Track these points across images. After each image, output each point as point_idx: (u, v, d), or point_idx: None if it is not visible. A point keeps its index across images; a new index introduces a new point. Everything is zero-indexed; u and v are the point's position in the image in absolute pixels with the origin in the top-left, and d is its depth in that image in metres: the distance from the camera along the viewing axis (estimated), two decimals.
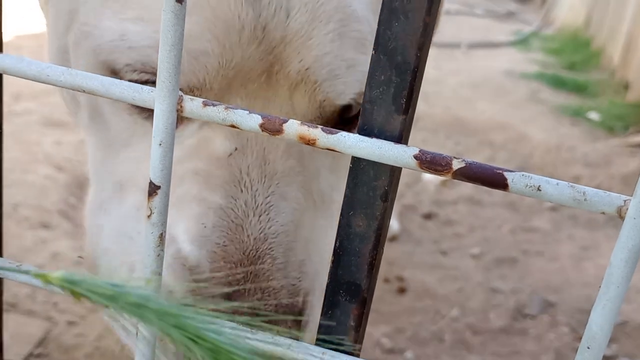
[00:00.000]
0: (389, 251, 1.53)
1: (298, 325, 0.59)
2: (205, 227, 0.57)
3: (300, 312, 0.59)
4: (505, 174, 0.33)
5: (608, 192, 0.33)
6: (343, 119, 0.65)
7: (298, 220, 0.61)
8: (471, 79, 3.18)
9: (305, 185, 0.63)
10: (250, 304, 0.55)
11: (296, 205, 0.61)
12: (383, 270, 1.45)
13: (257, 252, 0.57)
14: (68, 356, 1.11)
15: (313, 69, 0.59)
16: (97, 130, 0.66)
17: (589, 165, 2.20)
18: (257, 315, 0.54)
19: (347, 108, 0.63)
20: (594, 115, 2.72)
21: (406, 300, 1.38)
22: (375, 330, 1.27)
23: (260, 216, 0.58)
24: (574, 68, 3.60)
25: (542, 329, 1.33)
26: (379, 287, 1.39)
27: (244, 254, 0.57)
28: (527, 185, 0.33)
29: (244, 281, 0.56)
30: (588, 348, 0.34)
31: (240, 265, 0.56)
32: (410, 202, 1.79)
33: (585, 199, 0.33)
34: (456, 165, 0.34)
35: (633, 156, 2.27)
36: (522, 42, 4.30)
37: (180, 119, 0.61)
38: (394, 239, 1.60)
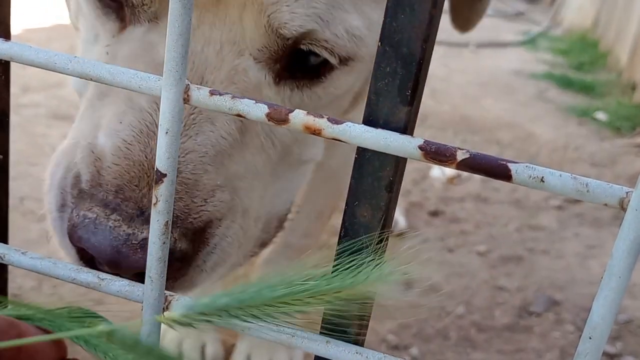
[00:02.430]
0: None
1: (190, 241, 0.57)
2: (120, 123, 0.57)
3: (196, 232, 0.57)
4: (509, 165, 0.33)
5: (610, 184, 0.33)
6: (305, 66, 0.62)
7: (223, 148, 0.58)
8: (479, 78, 3.18)
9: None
10: (137, 204, 0.54)
11: (225, 133, 0.59)
12: None
13: None
14: (73, 349, 1.11)
15: None
16: (80, 27, 0.69)
17: (596, 165, 2.19)
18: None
19: (306, 54, 0.60)
20: (601, 116, 2.71)
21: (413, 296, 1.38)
22: (380, 327, 1.27)
23: None
24: (581, 68, 3.59)
25: (547, 326, 1.33)
26: None
27: (147, 157, 0.56)
28: (530, 177, 0.33)
29: (138, 182, 0.55)
30: (590, 338, 0.34)
31: (140, 166, 0.55)
32: (416, 199, 1.79)
33: (587, 191, 0.33)
34: (460, 156, 0.34)
35: (639, 156, 2.27)
36: (530, 42, 4.29)
37: (129, 19, 0.61)
38: (399, 235, 1.60)
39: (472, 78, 3.16)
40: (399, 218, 1.63)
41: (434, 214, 1.74)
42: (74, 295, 1.22)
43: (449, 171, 1.94)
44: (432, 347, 1.23)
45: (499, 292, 1.42)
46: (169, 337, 1.09)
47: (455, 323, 1.32)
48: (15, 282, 1.21)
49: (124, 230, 0.52)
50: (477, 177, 1.94)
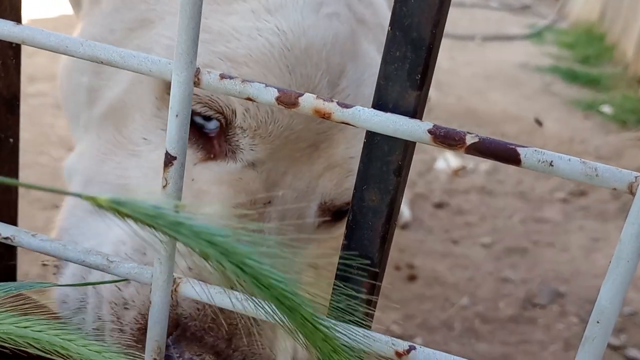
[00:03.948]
0: (400, 239, 1.54)
1: None
2: None
3: None
4: (518, 149, 0.33)
5: (619, 169, 0.33)
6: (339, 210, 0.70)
7: None
8: (485, 71, 3.17)
9: None
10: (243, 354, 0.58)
11: None
12: (394, 257, 1.46)
13: None
14: None
15: (355, 159, 0.65)
16: (108, 131, 0.66)
17: (601, 158, 2.19)
18: None
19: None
20: (606, 109, 2.70)
21: (416, 287, 1.38)
22: (385, 317, 1.27)
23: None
24: (587, 62, 3.58)
25: (551, 318, 1.33)
26: (390, 274, 1.40)
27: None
28: (539, 161, 0.33)
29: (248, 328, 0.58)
30: (597, 322, 0.34)
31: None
32: (422, 190, 1.80)
33: (596, 175, 0.33)
34: (469, 140, 0.34)
35: None
36: (536, 36, 4.27)
37: (222, 154, 0.62)
38: (405, 226, 1.60)
39: (478, 71, 3.15)
40: (404, 209, 1.63)
41: (439, 205, 1.74)
42: None
43: (454, 163, 1.94)
44: (436, 338, 1.24)
45: (503, 284, 1.42)
46: None
47: (459, 314, 1.32)
48: (22, 269, 1.22)
49: None
50: (482, 169, 1.94)
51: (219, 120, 0.61)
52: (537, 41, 4.11)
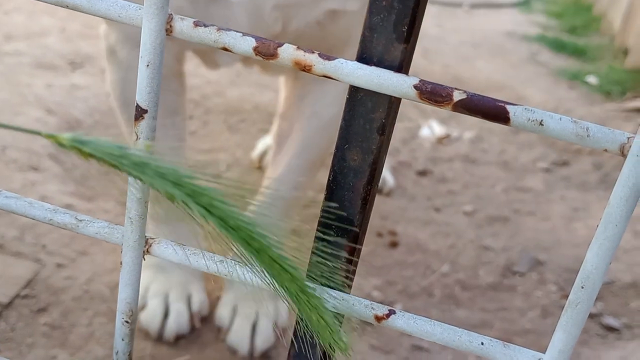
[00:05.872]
0: (383, 206, 1.53)
1: None
2: None
3: None
4: (507, 107, 0.32)
5: (612, 129, 0.32)
6: None
7: None
8: (472, 39, 3.14)
9: None
10: None
11: None
12: (376, 224, 1.45)
13: None
14: (56, 298, 1.10)
15: None
16: None
17: None
18: None
19: None
20: (592, 79, 2.69)
21: (398, 254, 1.38)
22: (366, 283, 1.27)
23: None
24: (574, 32, 3.56)
25: (530, 286, 1.33)
26: (372, 241, 1.39)
27: None
28: (529, 119, 0.32)
29: None
30: (582, 288, 0.33)
31: None
32: (405, 158, 1.78)
33: (588, 135, 0.31)
34: (457, 96, 0.32)
35: (628, 121, 2.26)
36: (524, 4, 4.23)
37: None
38: (388, 194, 1.59)
39: (465, 38, 3.12)
40: (387, 177, 1.62)
41: (422, 173, 1.73)
42: (58, 245, 1.21)
43: (439, 131, 1.92)
44: (416, 304, 1.24)
45: (484, 252, 1.42)
46: (154, 289, 1.08)
47: (440, 281, 1.32)
48: None
49: None
50: (466, 137, 1.93)
51: None
52: (525, 10, 4.07)
